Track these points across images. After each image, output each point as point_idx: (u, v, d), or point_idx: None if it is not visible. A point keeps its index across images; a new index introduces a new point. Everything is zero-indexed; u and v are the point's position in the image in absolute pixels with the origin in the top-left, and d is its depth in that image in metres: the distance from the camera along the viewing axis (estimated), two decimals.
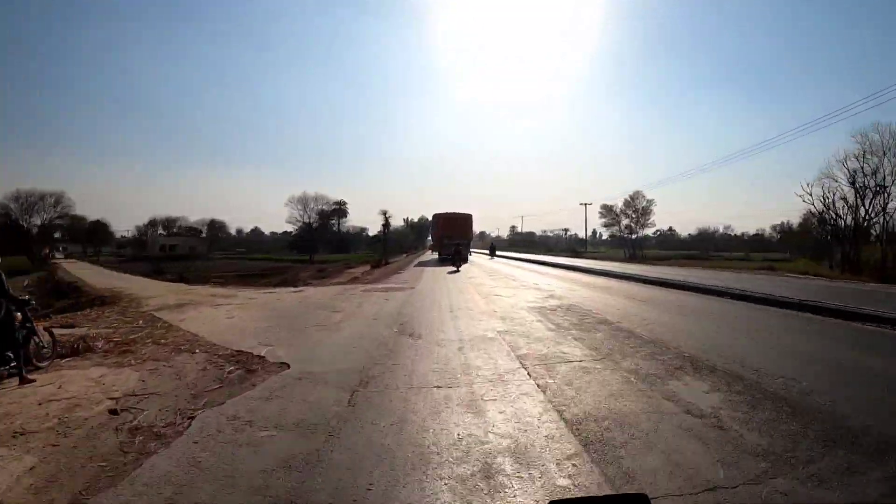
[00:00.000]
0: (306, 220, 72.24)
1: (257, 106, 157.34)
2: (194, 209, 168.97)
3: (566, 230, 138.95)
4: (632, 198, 64.69)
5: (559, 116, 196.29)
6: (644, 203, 64.73)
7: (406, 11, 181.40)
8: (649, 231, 70.59)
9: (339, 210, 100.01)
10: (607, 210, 65.67)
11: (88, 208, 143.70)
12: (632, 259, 54.30)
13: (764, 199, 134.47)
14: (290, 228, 78.52)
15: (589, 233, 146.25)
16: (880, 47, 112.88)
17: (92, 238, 79.43)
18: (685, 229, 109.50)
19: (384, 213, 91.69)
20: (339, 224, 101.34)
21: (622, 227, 66.63)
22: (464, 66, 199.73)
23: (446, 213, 36.58)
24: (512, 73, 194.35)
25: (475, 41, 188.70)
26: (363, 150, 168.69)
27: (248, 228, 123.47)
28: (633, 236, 66.72)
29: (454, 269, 22.25)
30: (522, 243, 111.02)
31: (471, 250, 42.14)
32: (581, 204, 57.07)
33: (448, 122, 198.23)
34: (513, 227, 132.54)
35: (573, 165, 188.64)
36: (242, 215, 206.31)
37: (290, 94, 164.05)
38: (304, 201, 73.78)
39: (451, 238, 31.70)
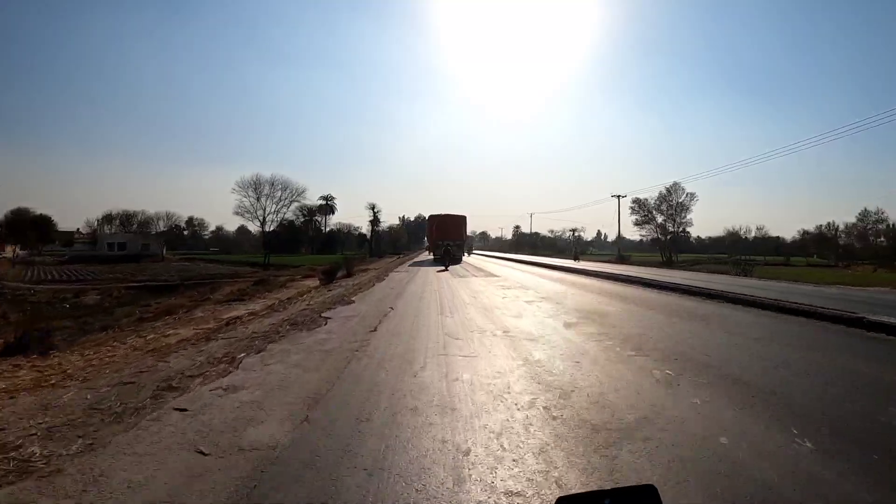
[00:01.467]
0: (261, 212, 53.45)
1: (256, 106, 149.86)
2: (192, 208, 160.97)
3: (574, 230, 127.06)
4: (668, 190, 52.41)
5: (562, 117, 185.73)
6: (682, 197, 52.43)
7: (407, 12, 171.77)
8: (687, 230, 58.14)
9: (327, 206, 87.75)
10: (639, 205, 53.35)
11: (86, 207, 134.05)
12: (668, 264, 42.42)
13: (769, 203, 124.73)
14: (249, 223, 60.39)
15: (594, 234, 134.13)
16: (881, 49, 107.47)
17: (37, 235, 67.08)
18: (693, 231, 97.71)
19: (372, 208, 79.29)
20: (325, 221, 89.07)
21: (656, 226, 54.34)
22: (465, 67, 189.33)
23: (440, 215, 36.03)
24: (513, 74, 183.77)
25: (483, 43, 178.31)
26: (363, 149, 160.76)
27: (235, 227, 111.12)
28: (669, 236, 54.38)
29: (442, 268, 22.08)
30: (529, 244, 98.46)
31: (470, 251, 42.60)
32: (613, 196, 44.91)
33: (450, 123, 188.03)
34: (517, 228, 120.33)
35: (575, 166, 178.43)
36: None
37: (289, 94, 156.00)
38: (256, 186, 53.74)
39: (444, 239, 30.76)
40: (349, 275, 18.53)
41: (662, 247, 54.71)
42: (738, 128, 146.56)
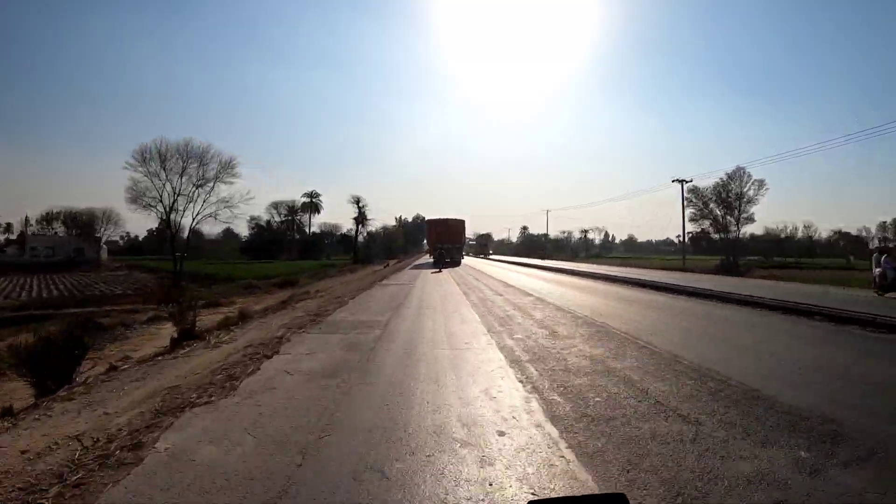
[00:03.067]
0: (170, 196, 33.10)
1: (255, 106, 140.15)
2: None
3: (585, 232, 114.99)
4: (730, 177, 40.21)
5: (562, 117, 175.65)
6: (747, 186, 40.20)
7: (407, 12, 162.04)
8: (749, 228, 45.76)
9: (312, 204, 74.95)
10: (695, 195, 40.96)
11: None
12: (728, 270, 30.51)
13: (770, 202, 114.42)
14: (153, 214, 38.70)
15: (601, 236, 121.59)
16: (881, 49, 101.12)
17: None
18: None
19: (357, 202, 65.27)
20: (310, 221, 76.36)
21: (713, 222, 42.15)
22: (465, 67, 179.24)
23: (439, 219, 35.12)
24: (513, 74, 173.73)
25: (483, 43, 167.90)
26: (363, 149, 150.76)
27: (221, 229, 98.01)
28: (730, 235, 42.11)
29: (436, 270, 22.45)
30: (539, 246, 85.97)
31: (487, 255, 44.99)
32: (675, 180, 32.61)
33: (450, 123, 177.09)
34: (524, 229, 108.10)
35: (575, 166, 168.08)
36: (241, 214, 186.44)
37: (289, 94, 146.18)
38: (162, 157, 31.75)
39: (443, 243, 30.22)
40: (181, 330, 6.10)
41: (724, 248, 42.33)
42: (739, 128, 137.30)
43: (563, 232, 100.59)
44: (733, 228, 43.23)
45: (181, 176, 29.34)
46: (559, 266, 26.65)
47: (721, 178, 41.25)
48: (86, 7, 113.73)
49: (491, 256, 62.46)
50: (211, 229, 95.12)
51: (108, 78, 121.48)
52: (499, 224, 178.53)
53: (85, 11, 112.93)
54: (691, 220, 42.57)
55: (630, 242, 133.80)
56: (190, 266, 44.54)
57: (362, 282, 17.00)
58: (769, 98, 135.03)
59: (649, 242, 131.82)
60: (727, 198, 42.57)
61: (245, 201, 31.41)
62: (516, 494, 2.02)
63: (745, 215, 43.11)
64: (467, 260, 42.20)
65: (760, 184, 41.32)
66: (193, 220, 30.21)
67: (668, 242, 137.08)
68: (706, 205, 42.12)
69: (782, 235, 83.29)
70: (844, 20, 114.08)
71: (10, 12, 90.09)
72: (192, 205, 30.24)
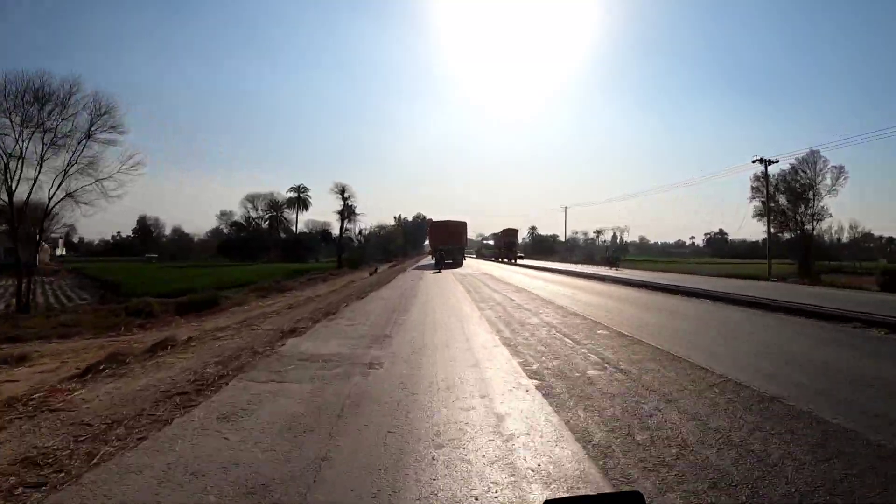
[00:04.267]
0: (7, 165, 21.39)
1: (256, 106, 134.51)
2: (191, 211, 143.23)
3: (598, 232, 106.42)
4: (806, 162, 31.90)
5: (562, 117, 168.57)
6: (822, 174, 31.88)
7: (407, 12, 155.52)
8: (825, 224, 37.31)
9: (299, 199, 66.11)
10: (763, 185, 32.49)
11: None
12: (806, 274, 22.56)
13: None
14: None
15: (607, 236, 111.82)
16: (881, 49, 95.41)
17: None
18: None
19: (342, 192, 56.06)
20: (297, 218, 67.62)
21: (779, 214, 33.91)
22: (465, 67, 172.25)
23: (441, 221, 34.99)
24: (513, 74, 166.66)
25: (483, 43, 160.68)
26: (363, 149, 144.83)
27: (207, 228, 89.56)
28: (798, 232, 33.84)
29: (436, 270, 22.28)
30: (548, 249, 77.12)
31: (515, 259, 43.24)
32: (756, 160, 24.18)
33: (450, 123, 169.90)
34: (532, 229, 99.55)
35: (576, 166, 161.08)
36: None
37: (289, 94, 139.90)
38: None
39: (444, 244, 29.88)
40: None
41: (797, 247, 33.98)
42: (739, 128, 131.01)
43: (576, 232, 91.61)
44: (806, 226, 34.93)
45: (23, 126, 18.98)
46: (674, 283, 14.94)
47: (791, 164, 32.91)
48: (86, 7, 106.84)
49: (521, 261, 45.32)
50: (199, 227, 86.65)
51: (109, 78, 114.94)
52: (500, 224, 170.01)
53: (85, 11, 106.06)
54: (756, 215, 34.11)
55: (642, 245, 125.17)
56: (134, 270, 36.15)
57: (305, 310, 8.57)
58: (769, 98, 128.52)
59: (655, 244, 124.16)
60: (797, 188, 34.30)
61: (128, 171, 21.57)
62: None
63: (813, 210, 34.88)
64: (482, 266, 33.08)
65: (840, 171, 32.96)
66: (49, 199, 20.88)
67: (679, 244, 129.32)
68: (772, 197, 33.71)
69: (826, 235, 74.28)
70: (844, 20, 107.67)
71: (9, 12, 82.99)
72: (57, 176, 20.36)
